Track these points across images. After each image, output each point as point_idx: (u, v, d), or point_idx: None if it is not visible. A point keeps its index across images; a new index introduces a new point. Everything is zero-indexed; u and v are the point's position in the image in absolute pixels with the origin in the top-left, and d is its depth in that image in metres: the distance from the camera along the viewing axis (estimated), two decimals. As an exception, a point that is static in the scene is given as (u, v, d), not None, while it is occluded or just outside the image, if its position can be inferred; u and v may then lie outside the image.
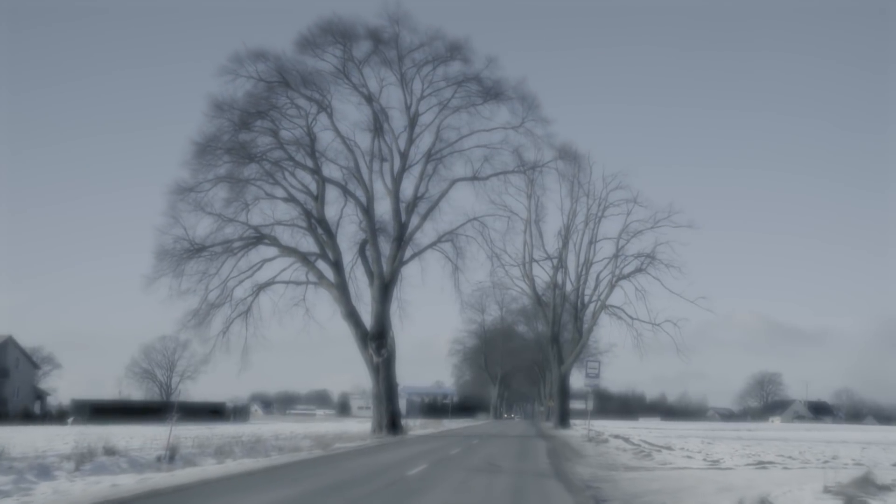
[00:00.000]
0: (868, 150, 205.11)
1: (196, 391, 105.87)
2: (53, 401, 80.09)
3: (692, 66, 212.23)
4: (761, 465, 19.36)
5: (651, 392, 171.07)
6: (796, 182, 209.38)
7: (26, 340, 78.36)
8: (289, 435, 36.56)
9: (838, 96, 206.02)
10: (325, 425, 62.45)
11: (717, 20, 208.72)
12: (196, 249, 38.50)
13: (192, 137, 37.66)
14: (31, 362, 76.87)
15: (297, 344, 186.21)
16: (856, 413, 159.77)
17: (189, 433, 38.00)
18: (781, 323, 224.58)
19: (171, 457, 19.58)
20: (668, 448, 27.87)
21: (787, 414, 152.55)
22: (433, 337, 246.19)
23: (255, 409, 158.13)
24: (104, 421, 63.72)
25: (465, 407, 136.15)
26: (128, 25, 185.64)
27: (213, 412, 77.08)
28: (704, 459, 21.36)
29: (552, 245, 61.68)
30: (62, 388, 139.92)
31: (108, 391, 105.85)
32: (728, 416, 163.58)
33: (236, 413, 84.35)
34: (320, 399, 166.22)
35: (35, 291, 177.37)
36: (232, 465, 19.17)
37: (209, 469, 18.03)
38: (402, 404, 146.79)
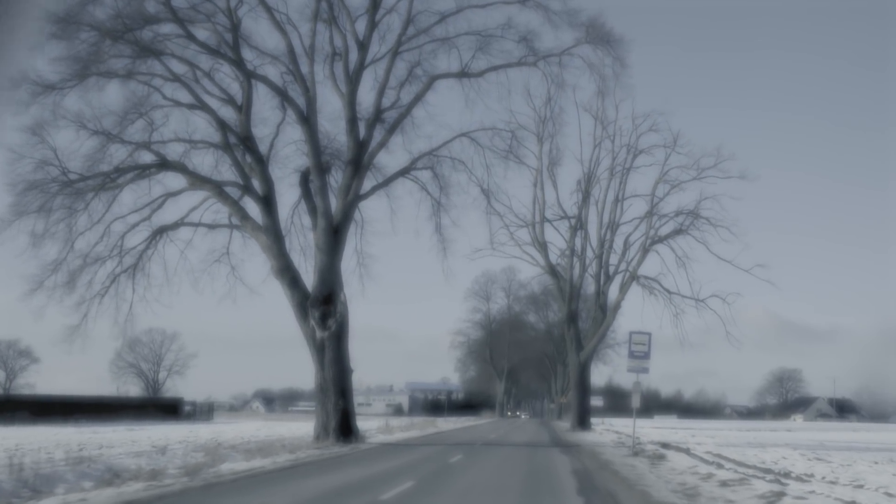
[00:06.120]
0: (872, 147, 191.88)
1: (186, 387, 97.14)
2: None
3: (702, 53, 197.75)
4: None
5: (661, 389, 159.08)
6: (796, 180, 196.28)
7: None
8: (207, 444, 25.29)
9: (845, 95, 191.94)
10: (286, 426, 51.11)
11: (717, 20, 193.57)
12: (71, 181, 26.74)
13: (49, 8, 25.51)
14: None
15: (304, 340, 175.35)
16: (881, 412, 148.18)
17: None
18: (791, 320, 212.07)
19: None
20: (790, 475, 15.73)
21: (809, 412, 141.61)
22: (441, 333, 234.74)
23: (256, 405, 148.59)
24: (34, 421, 53.55)
25: (471, 405, 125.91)
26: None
27: (165, 410, 65.18)
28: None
29: (569, 203, 49.36)
30: (67, 384, 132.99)
31: (109, 387, 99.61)
32: (745, 413, 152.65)
33: (199, 411, 72.46)
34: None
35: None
36: None
37: None
38: (405, 401, 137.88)
